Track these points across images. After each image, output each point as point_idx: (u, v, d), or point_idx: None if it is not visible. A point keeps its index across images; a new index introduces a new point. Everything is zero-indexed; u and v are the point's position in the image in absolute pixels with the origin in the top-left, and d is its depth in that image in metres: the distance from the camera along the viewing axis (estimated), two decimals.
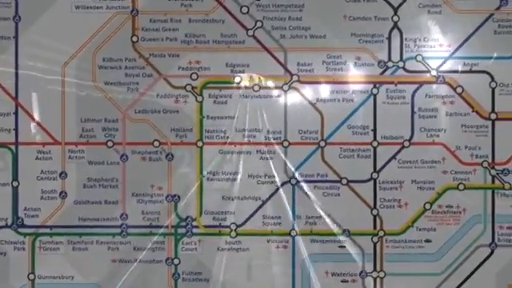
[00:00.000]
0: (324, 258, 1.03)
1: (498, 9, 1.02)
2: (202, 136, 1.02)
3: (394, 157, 1.02)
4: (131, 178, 1.02)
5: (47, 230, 1.02)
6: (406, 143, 1.02)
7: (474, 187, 1.02)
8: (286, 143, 1.02)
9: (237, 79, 1.01)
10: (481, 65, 1.02)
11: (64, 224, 1.02)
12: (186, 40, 1.02)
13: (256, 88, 1.02)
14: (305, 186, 1.02)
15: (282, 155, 1.02)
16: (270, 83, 1.02)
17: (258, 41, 1.02)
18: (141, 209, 1.02)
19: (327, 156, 1.02)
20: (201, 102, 1.02)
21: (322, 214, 1.02)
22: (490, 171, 1.02)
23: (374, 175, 1.02)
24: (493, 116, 1.02)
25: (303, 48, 1.02)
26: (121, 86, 1.02)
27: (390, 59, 1.02)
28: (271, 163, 1.02)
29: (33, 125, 1.02)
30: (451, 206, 1.02)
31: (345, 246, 1.03)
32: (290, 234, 1.02)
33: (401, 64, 1.02)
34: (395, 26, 1.02)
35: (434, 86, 1.02)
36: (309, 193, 1.02)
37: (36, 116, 1.02)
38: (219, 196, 1.03)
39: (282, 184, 1.02)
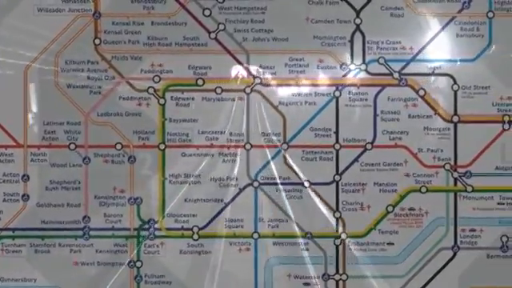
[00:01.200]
0: (286, 261, 1.03)
1: (460, 12, 1.02)
2: (164, 139, 1.02)
3: (356, 159, 1.02)
4: (94, 180, 1.02)
5: (9, 233, 1.02)
6: (369, 146, 1.02)
7: (437, 190, 1.02)
8: (248, 146, 1.02)
9: (199, 81, 1.01)
10: (443, 67, 1.02)
11: (26, 227, 1.02)
12: (149, 43, 1.02)
13: (218, 90, 1.02)
14: (267, 188, 1.02)
15: (245, 158, 1.02)
16: (232, 86, 1.02)
17: (221, 43, 1.02)
18: (103, 211, 1.02)
19: (289, 158, 1.02)
20: (163, 105, 1.02)
21: (285, 216, 1.02)
22: (452, 174, 1.02)
23: (337, 178, 1.02)
24: (455, 119, 1.02)
25: (266, 51, 1.02)
26: (83, 89, 1.02)
27: (352, 62, 1.02)
28: (234, 166, 1.02)
29: None
30: (414, 209, 1.03)
31: (307, 249, 1.02)
32: (252, 237, 1.02)
33: (363, 67, 1.02)
34: (357, 28, 1.02)
35: (397, 88, 1.02)
36: (271, 195, 1.02)
37: None
38: (182, 199, 1.02)
39: (245, 187, 1.02)
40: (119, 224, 1.02)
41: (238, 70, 1.02)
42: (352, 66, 1.02)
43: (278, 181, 1.02)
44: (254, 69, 1.02)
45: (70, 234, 1.02)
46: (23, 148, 1.02)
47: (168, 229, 1.03)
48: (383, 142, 1.02)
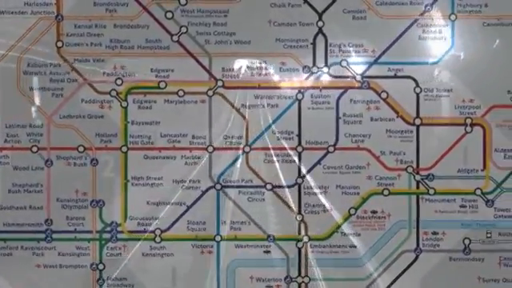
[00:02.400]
0: (249, 264, 1.03)
1: (422, 14, 1.02)
2: (126, 141, 1.02)
3: (318, 162, 1.02)
4: (56, 183, 1.02)
5: None
6: (331, 148, 1.02)
7: (399, 192, 1.02)
8: (210, 148, 1.02)
9: (162, 84, 1.01)
10: (405, 70, 1.02)
11: None
12: (111, 45, 1.02)
13: (181, 93, 1.02)
14: (229, 191, 1.02)
15: (207, 160, 1.02)
16: (195, 88, 1.02)
17: (183, 46, 1.02)
18: (65, 214, 1.02)
19: (252, 161, 1.02)
20: (125, 108, 1.02)
21: (247, 219, 1.02)
22: (414, 176, 1.02)
23: (299, 180, 1.02)
24: (417, 121, 1.02)
25: (228, 53, 1.02)
26: (46, 92, 1.02)
27: (314, 64, 1.02)
28: (196, 168, 1.02)
29: None
30: (376, 212, 1.03)
31: (269, 252, 1.03)
32: (214, 240, 1.02)
33: (326, 69, 1.02)
34: (320, 31, 1.02)
35: (359, 91, 1.02)
36: (233, 198, 1.02)
37: None
38: (144, 201, 1.02)
39: (207, 189, 1.02)
40: (81, 227, 1.02)
41: (200, 73, 1.02)
42: (314, 69, 1.02)
43: (241, 183, 1.02)
44: (216, 72, 1.02)
45: (32, 236, 1.02)
46: None
47: (130, 231, 1.03)
48: (346, 145, 1.02)
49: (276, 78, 1.02)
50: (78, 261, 1.03)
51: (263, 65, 1.02)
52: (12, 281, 1.03)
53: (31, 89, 1.02)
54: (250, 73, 1.02)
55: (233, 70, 1.02)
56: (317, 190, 1.02)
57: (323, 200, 1.02)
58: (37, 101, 1.02)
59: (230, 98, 1.02)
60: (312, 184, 1.02)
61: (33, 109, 1.02)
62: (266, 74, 1.02)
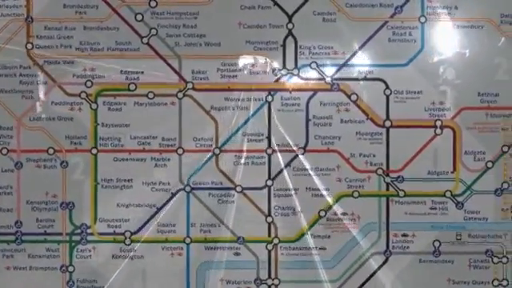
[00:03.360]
0: (218, 266, 1.03)
1: (392, 16, 1.02)
2: (96, 143, 1.02)
3: (288, 164, 1.02)
4: (26, 185, 1.02)
5: None
6: (301, 151, 1.02)
7: (369, 195, 1.02)
8: (180, 151, 1.02)
9: (131, 86, 1.01)
10: (375, 72, 1.02)
11: None
12: (81, 47, 1.02)
13: (150, 95, 1.02)
14: (199, 193, 1.02)
15: (177, 163, 1.02)
16: (165, 91, 1.02)
17: (153, 48, 1.02)
18: (35, 216, 1.02)
19: (222, 163, 1.02)
20: (95, 110, 1.02)
21: (217, 221, 1.02)
22: (384, 179, 1.02)
23: (269, 182, 1.02)
24: (387, 123, 1.02)
25: (198, 55, 1.02)
26: (15, 94, 1.02)
27: (284, 66, 1.02)
28: (166, 170, 1.02)
29: None
30: (346, 214, 1.03)
31: (239, 254, 1.03)
32: (184, 242, 1.03)
33: (295, 71, 1.02)
34: (290, 33, 1.02)
35: (329, 93, 1.02)
36: (203, 200, 1.02)
37: None
38: (114, 203, 1.02)
39: (177, 191, 1.02)
40: (51, 229, 1.02)
41: (170, 75, 1.02)
42: (284, 71, 1.02)
43: (211, 185, 1.02)
44: (186, 74, 1.02)
45: (2, 238, 1.02)
46: None
47: (100, 233, 1.03)
48: (315, 147, 1.02)
49: (246, 80, 1.02)
50: (48, 263, 1.03)
51: (233, 67, 1.02)
52: None
53: (1, 91, 1.02)
54: (220, 75, 1.02)
55: (202, 72, 1.02)
56: (287, 192, 1.02)
57: (293, 202, 1.02)
58: (6, 103, 1.02)
59: (199, 100, 1.02)
60: (282, 186, 1.02)
61: (2, 111, 1.02)
62: (235, 76, 1.02)
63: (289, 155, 1.02)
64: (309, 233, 1.03)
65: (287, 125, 1.02)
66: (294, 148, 1.02)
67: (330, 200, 1.02)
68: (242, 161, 1.02)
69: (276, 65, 1.02)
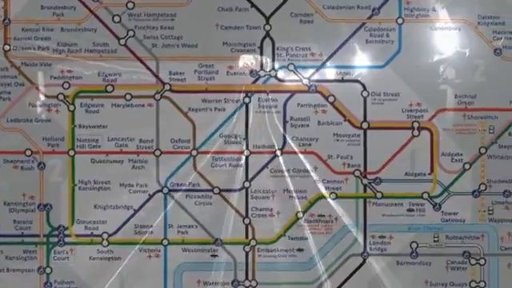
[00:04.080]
0: (196, 267, 1.03)
1: (370, 18, 1.02)
2: (73, 145, 1.02)
3: (266, 166, 1.02)
4: (3, 186, 1.02)
5: None
6: (278, 152, 1.02)
7: (346, 196, 1.02)
8: (158, 152, 1.02)
9: (109, 88, 1.01)
10: (353, 74, 1.02)
11: None
12: (58, 49, 1.02)
13: (128, 97, 1.02)
14: (177, 195, 1.02)
15: (154, 164, 1.02)
16: (142, 92, 1.02)
17: (130, 50, 1.02)
18: (12, 218, 1.02)
19: (199, 165, 1.02)
20: (73, 111, 1.02)
21: (194, 223, 1.02)
22: (362, 180, 1.02)
23: (246, 184, 1.02)
24: (365, 125, 1.02)
25: (175, 57, 1.02)
26: None
27: (262, 68, 1.02)
28: (143, 172, 1.02)
29: None
30: (323, 215, 1.03)
31: (217, 255, 1.02)
32: (162, 243, 1.02)
33: (273, 73, 1.02)
34: (267, 35, 1.02)
35: (306, 95, 1.02)
36: (181, 202, 1.02)
37: None
38: (91, 205, 1.02)
39: (154, 193, 1.02)
40: (29, 230, 1.02)
41: (147, 77, 1.02)
42: (262, 73, 1.02)
43: (188, 187, 1.02)
44: (163, 75, 1.02)
45: None
46: None
47: (78, 235, 1.03)
48: (293, 149, 1.02)
49: (223, 81, 1.02)
50: (26, 264, 1.03)
51: (210, 68, 1.02)
52: None
53: None
54: (197, 76, 1.02)
55: (180, 73, 1.02)
56: (264, 194, 1.02)
57: (271, 204, 1.02)
58: None
59: (177, 102, 1.02)
60: (259, 188, 1.02)
61: None
62: (213, 78, 1.02)
63: (266, 157, 1.02)
64: (286, 234, 1.03)
65: (265, 126, 1.02)
66: (272, 149, 1.02)
67: (307, 202, 1.02)
68: (220, 162, 1.02)
69: (253, 66, 1.02)
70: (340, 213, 1.02)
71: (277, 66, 1.02)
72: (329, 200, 1.02)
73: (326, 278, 1.02)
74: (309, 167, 1.02)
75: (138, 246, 1.03)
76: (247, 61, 1.01)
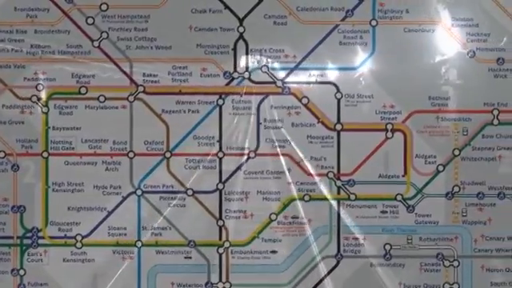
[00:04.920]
0: (170, 269, 1.03)
1: (343, 20, 1.02)
2: (47, 147, 1.02)
3: (239, 167, 1.02)
4: None
5: None
6: (252, 154, 1.02)
7: (320, 198, 1.02)
8: (131, 154, 1.02)
9: (82, 90, 1.01)
10: (326, 76, 1.02)
11: None
12: (32, 51, 1.02)
13: (102, 99, 1.02)
14: (150, 196, 1.02)
15: (128, 166, 1.02)
16: (116, 94, 1.02)
17: (104, 52, 1.02)
18: None
19: (173, 167, 1.02)
20: (46, 113, 1.02)
21: (168, 224, 1.02)
22: (335, 182, 1.02)
23: (220, 186, 1.02)
24: (338, 127, 1.02)
25: (149, 59, 1.02)
26: None
27: (235, 70, 1.02)
28: (117, 174, 1.02)
29: None
30: (297, 217, 1.03)
31: (190, 257, 1.03)
32: (135, 245, 1.02)
33: (246, 75, 1.02)
34: (241, 36, 1.02)
35: (280, 96, 1.02)
36: (154, 204, 1.02)
37: None
38: (65, 207, 1.02)
39: (128, 195, 1.02)
40: (2, 232, 1.02)
41: (121, 79, 1.02)
42: (235, 75, 1.02)
43: (162, 189, 1.02)
44: (137, 77, 1.02)
45: None
46: None
47: (51, 237, 1.03)
48: (266, 151, 1.02)
49: (197, 83, 1.02)
50: None
51: (184, 70, 1.02)
52: None
53: None
54: (171, 78, 1.02)
55: (154, 75, 1.02)
56: (238, 196, 1.02)
57: (244, 205, 1.02)
58: None
59: (151, 104, 1.02)
60: (233, 189, 1.02)
61: None
62: (186, 80, 1.02)
63: (240, 159, 1.02)
64: (260, 236, 1.03)
65: (238, 128, 1.02)
66: (245, 151, 1.02)
67: (281, 203, 1.02)
68: (194, 164, 1.02)
69: (227, 68, 1.02)
70: (313, 215, 1.02)
71: (250, 67, 1.02)
72: (302, 202, 1.02)
73: (299, 281, 1.02)
74: (282, 169, 1.02)
75: (111, 248, 1.03)
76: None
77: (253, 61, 1.02)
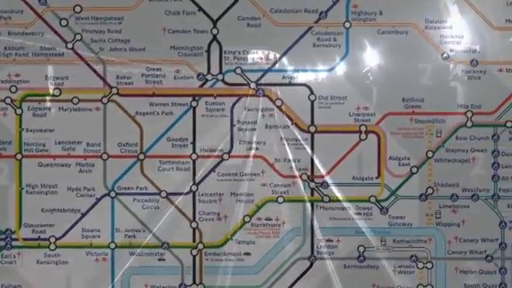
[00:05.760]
0: (143, 271, 1.03)
1: (317, 22, 1.02)
2: (21, 149, 1.02)
3: (213, 169, 1.02)
4: None
5: None
6: (226, 156, 1.02)
7: (294, 200, 1.02)
8: (105, 156, 1.02)
9: (56, 92, 1.01)
10: (300, 77, 1.02)
11: None
12: (5, 53, 1.02)
13: (75, 101, 1.02)
14: (124, 198, 1.02)
15: (101, 168, 1.02)
16: (89, 96, 1.02)
17: (77, 53, 1.02)
18: None
19: (146, 169, 1.02)
20: (20, 115, 1.02)
21: (142, 226, 1.02)
22: (309, 184, 1.02)
23: (194, 188, 1.02)
24: (312, 129, 1.02)
25: (122, 61, 1.02)
26: None
27: (209, 72, 1.02)
28: (90, 176, 1.02)
29: None
30: (270, 219, 1.03)
31: (164, 259, 1.02)
32: (109, 247, 1.02)
33: (220, 77, 1.02)
34: (214, 38, 1.02)
35: (254, 98, 1.02)
36: (128, 205, 1.02)
37: None
38: (39, 209, 1.02)
39: (102, 197, 1.02)
40: None
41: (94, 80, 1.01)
42: (209, 76, 1.02)
43: (135, 191, 1.02)
44: (110, 79, 1.02)
45: None
46: None
47: (25, 239, 1.03)
48: (240, 152, 1.02)
49: (170, 85, 1.02)
50: None
51: (158, 72, 1.02)
52: None
53: None
54: (145, 80, 1.02)
55: (127, 77, 1.02)
56: (211, 198, 1.02)
57: (218, 207, 1.02)
58: None
59: (124, 106, 1.02)
60: (206, 191, 1.02)
61: None
62: (160, 82, 1.02)
63: (213, 160, 1.02)
64: (233, 238, 1.03)
65: (212, 130, 1.02)
66: (219, 153, 1.02)
67: (254, 205, 1.02)
68: (167, 166, 1.02)
69: (200, 70, 1.02)
70: (287, 217, 1.02)
71: (224, 69, 1.02)
72: (276, 204, 1.02)
73: (273, 282, 1.02)
74: (256, 171, 1.02)
75: (85, 250, 1.03)
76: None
77: (226, 62, 1.02)
